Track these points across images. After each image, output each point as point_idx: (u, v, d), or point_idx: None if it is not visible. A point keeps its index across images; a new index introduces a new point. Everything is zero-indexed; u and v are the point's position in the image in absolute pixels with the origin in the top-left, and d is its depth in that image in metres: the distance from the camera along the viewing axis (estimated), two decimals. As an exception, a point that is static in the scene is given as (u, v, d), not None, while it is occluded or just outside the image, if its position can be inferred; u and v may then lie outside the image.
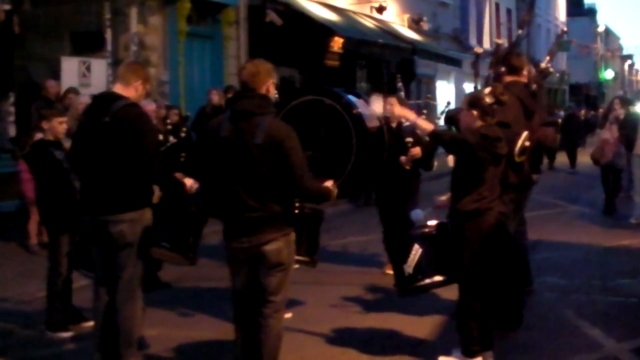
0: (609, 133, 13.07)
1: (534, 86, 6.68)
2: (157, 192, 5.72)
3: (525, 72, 6.64)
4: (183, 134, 10.52)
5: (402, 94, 8.77)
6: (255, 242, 4.61)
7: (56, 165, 6.37)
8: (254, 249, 4.63)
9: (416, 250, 5.54)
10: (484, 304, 5.50)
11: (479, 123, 5.45)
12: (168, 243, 5.71)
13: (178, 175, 5.42)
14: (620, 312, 7.28)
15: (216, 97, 12.91)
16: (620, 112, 13.27)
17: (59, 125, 6.52)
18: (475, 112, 5.47)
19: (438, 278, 5.56)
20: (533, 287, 7.57)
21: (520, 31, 7.39)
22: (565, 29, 12.16)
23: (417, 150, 7.97)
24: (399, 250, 5.69)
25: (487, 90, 5.68)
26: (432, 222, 5.69)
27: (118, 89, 5.26)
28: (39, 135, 6.96)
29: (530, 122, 6.42)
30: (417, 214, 6.47)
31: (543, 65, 7.40)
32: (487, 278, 5.53)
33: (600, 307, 7.36)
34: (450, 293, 5.83)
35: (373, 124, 5.88)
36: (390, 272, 6.65)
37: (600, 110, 33.38)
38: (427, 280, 5.57)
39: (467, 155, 5.37)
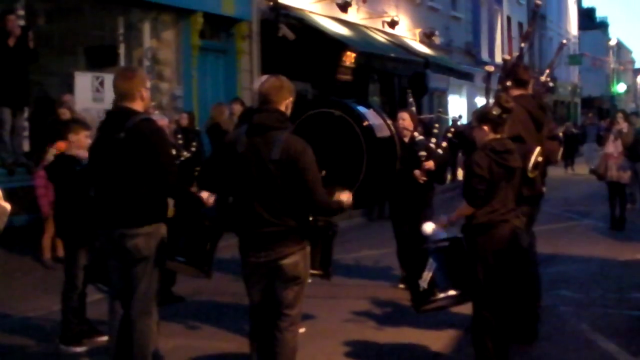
0: (613, 147, 13.01)
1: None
2: (171, 206, 5.72)
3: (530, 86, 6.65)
4: (193, 148, 10.60)
5: (414, 108, 8.75)
6: (273, 257, 4.61)
7: (77, 178, 6.40)
8: (271, 263, 4.64)
9: (430, 265, 5.52)
10: (499, 318, 5.48)
11: (492, 136, 5.45)
12: (183, 257, 5.73)
13: (194, 189, 5.42)
14: (636, 325, 7.25)
15: (226, 112, 12.88)
16: (623, 126, 13.23)
17: (85, 139, 6.55)
18: (486, 127, 5.47)
19: (452, 292, 5.54)
20: (543, 300, 7.51)
21: (522, 44, 7.37)
22: (564, 41, 12.09)
23: (430, 164, 8.01)
24: (413, 265, 5.67)
25: (493, 101, 5.68)
26: (444, 235, 5.67)
27: (127, 104, 5.17)
28: (53, 150, 7.00)
29: (540, 134, 6.42)
30: (428, 226, 6.36)
31: (543, 78, 7.39)
32: (501, 292, 5.50)
33: (616, 320, 7.31)
34: (465, 307, 5.82)
35: (384, 133, 5.86)
36: (404, 286, 6.64)
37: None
38: (442, 295, 5.53)
39: (485, 179, 5.34)
